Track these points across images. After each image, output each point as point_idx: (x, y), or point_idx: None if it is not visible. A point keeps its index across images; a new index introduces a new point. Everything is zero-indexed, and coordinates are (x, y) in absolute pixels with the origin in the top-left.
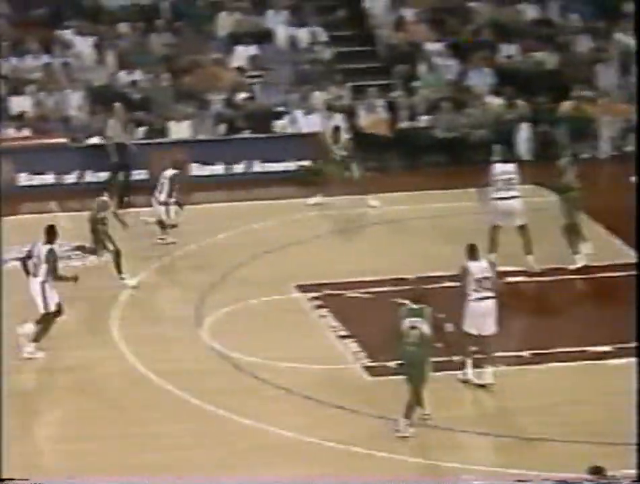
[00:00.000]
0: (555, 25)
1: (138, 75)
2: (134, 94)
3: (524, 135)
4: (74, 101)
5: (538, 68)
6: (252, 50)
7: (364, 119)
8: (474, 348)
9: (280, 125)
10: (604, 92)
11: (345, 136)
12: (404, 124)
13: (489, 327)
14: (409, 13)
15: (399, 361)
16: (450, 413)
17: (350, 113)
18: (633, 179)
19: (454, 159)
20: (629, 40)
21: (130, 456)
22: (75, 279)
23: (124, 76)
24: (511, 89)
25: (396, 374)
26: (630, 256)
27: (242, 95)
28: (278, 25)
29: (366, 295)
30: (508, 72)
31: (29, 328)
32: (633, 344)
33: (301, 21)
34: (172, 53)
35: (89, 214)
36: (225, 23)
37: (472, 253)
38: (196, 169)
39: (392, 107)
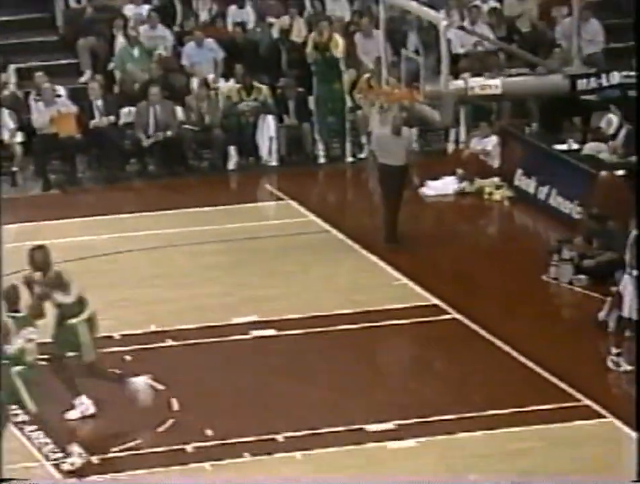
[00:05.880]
0: None
1: None
2: None
3: (267, 132)
4: None
5: (280, 40)
6: None
7: (41, 115)
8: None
9: None
10: (370, 69)
11: None
12: (99, 121)
13: None
14: None
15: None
16: None
17: (19, 107)
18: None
19: (170, 169)
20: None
21: None
22: None
23: None
24: (245, 68)
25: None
26: (424, 298)
27: None
28: None
29: None
30: (240, 44)
31: None
32: (419, 420)
33: None
34: None
35: None
36: None
37: None
38: None
39: (80, 97)
